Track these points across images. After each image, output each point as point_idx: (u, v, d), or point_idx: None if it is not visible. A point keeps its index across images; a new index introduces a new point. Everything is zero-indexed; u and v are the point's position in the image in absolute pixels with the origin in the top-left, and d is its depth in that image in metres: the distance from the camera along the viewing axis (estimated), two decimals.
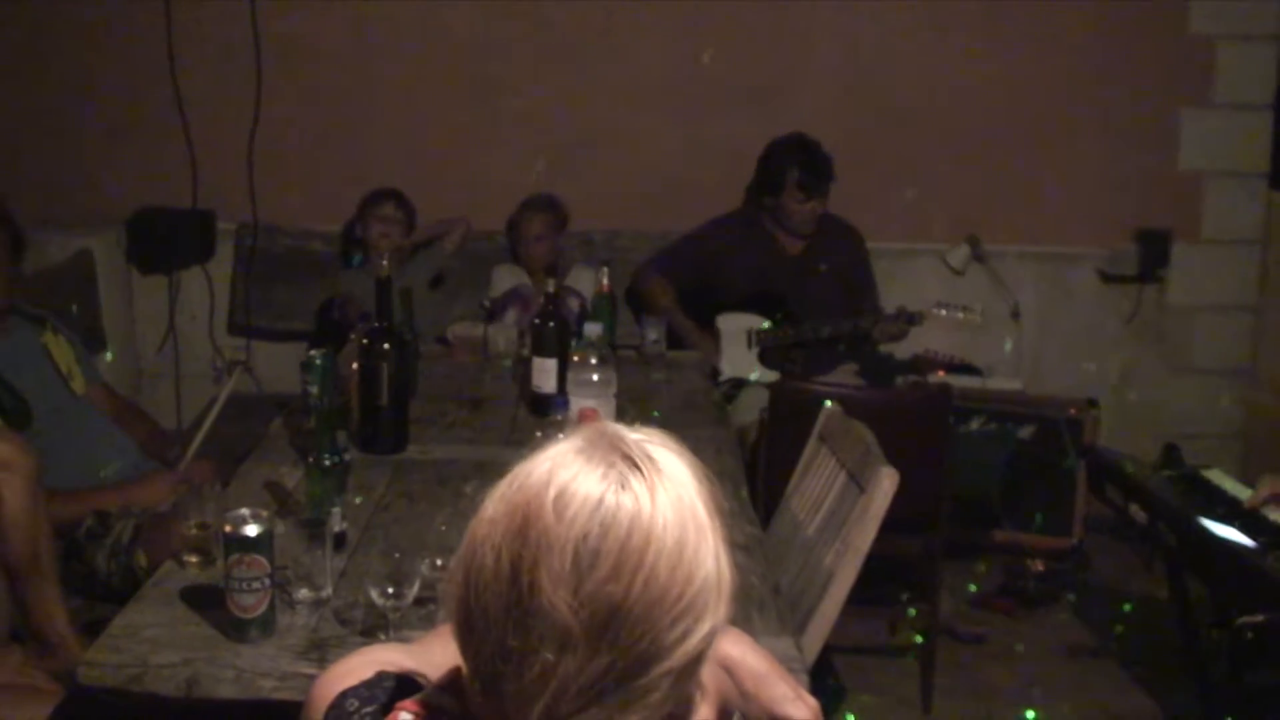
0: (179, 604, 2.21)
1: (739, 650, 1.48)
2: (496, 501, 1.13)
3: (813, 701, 1.49)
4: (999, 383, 4.83)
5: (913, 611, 4.03)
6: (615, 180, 5.04)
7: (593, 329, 2.75)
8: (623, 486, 1.10)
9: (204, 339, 5.15)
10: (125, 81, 5.00)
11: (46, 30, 4.95)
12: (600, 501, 1.09)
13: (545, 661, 1.08)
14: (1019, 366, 5.03)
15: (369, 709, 1.22)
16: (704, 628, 1.12)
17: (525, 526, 1.10)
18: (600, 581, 1.08)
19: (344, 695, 1.24)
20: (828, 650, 3.87)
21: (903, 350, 4.77)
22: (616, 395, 3.46)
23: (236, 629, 2.07)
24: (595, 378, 2.65)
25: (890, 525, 3.61)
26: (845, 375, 4.55)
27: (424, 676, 1.28)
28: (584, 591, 1.08)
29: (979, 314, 4.48)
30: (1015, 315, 5.05)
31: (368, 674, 1.26)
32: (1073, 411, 4.55)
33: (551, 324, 3.29)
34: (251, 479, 2.85)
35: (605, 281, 3.78)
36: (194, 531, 2.36)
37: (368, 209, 4.61)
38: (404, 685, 1.24)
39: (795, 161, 4.55)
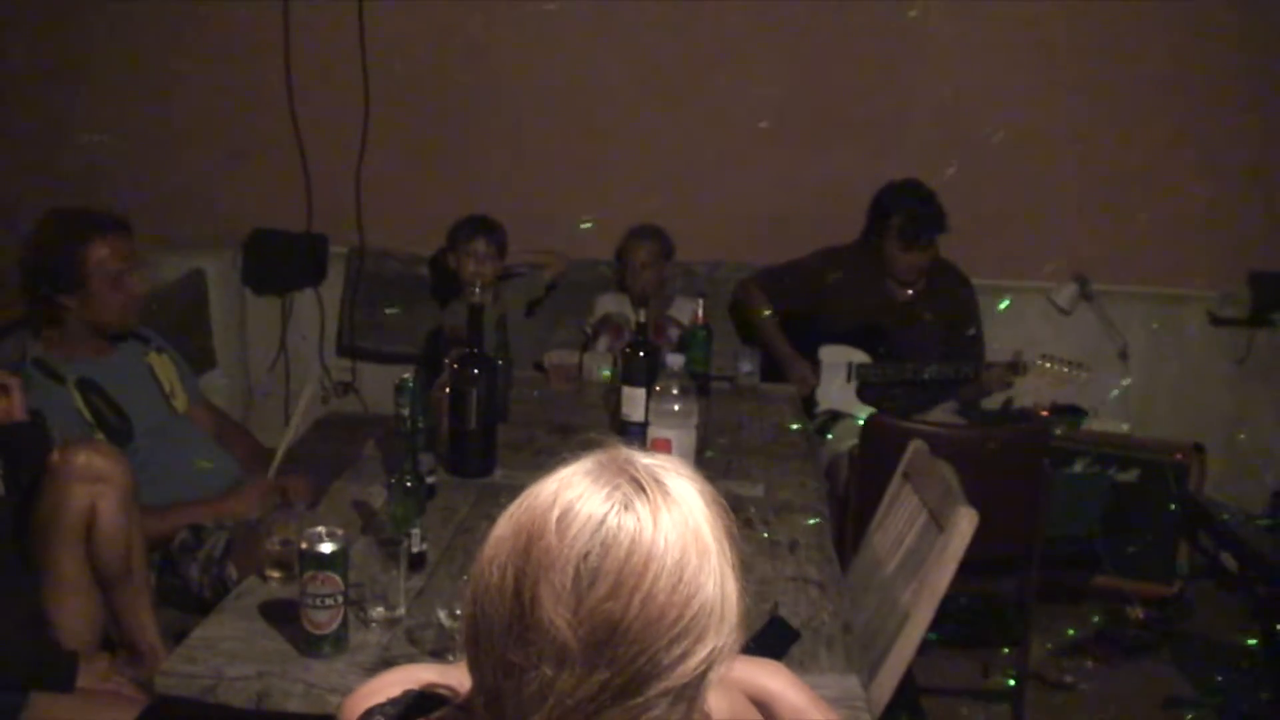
0: (258, 618, 2.26)
1: (778, 684, 1.50)
2: (505, 521, 1.17)
3: None
4: (1105, 425, 4.75)
5: (1005, 652, 3.99)
6: (718, 212, 5.05)
7: (675, 359, 2.76)
8: (626, 508, 1.13)
9: (314, 359, 5.27)
10: (244, 108, 5.14)
11: (171, 59, 5.12)
12: (602, 521, 1.12)
13: (544, 676, 1.11)
14: (1126, 409, 4.94)
15: None
16: (704, 650, 1.13)
17: (529, 544, 1.13)
18: (599, 599, 1.10)
19: (370, 713, 1.27)
20: (917, 691, 3.86)
21: (1004, 399, 4.71)
22: (705, 425, 3.49)
23: (309, 644, 2.12)
24: (676, 408, 2.66)
25: (983, 566, 3.59)
26: (944, 414, 4.51)
27: (455, 694, 1.31)
28: (583, 609, 1.10)
29: (1085, 371, 4.39)
30: (1123, 356, 4.97)
31: (395, 693, 1.30)
32: (1179, 456, 4.44)
33: (642, 353, 3.33)
34: (341, 498, 2.91)
35: (700, 313, 3.80)
36: (277, 548, 2.42)
37: (459, 244, 4.54)
38: (427, 704, 1.27)
39: (900, 209, 4.47)
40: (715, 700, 1.31)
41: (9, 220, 4.68)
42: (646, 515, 1.13)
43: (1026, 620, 3.66)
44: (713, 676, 1.16)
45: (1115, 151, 4.92)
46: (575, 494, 1.14)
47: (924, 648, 3.84)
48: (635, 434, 2.93)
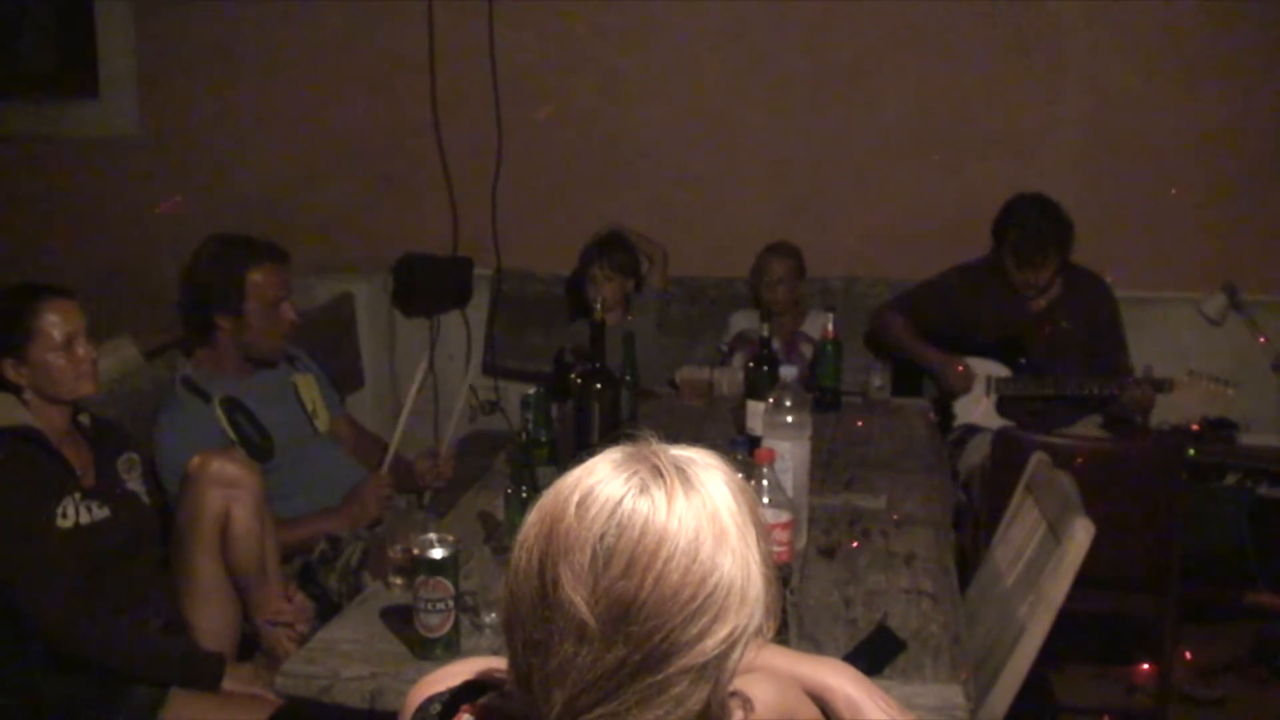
0: (377, 622, 2.36)
1: (838, 680, 1.53)
2: (536, 509, 1.24)
3: None
4: (1257, 438, 4.62)
5: (1145, 669, 3.91)
6: (854, 227, 5.05)
7: (788, 371, 2.79)
8: (642, 492, 1.19)
9: (461, 379, 5.40)
10: (394, 137, 5.33)
11: (324, 92, 5.34)
12: (619, 504, 1.18)
13: (565, 653, 1.17)
14: None
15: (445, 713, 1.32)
16: (723, 629, 1.17)
17: (552, 528, 1.20)
18: (614, 579, 1.16)
19: (429, 700, 1.34)
20: (1059, 710, 3.80)
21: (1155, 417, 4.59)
22: (832, 438, 3.51)
23: (423, 647, 2.20)
24: (789, 419, 2.68)
25: (1123, 583, 3.54)
26: (1088, 428, 4.42)
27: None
28: (599, 588, 1.16)
29: (1232, 387, 4.27)
30: (1276, 368, 4.82)
31: (456, 683, 1.36)
32: None
33: (765, 368, 3.36)
34: (468, 509, 3.01)
35: (830, 327, 3.82)
36: (399, 555, 2.52)
37: (586, 270, 4.63)
38: (482, 691, 1.33)
39: (1016, 225, 4.36)
40: (764, 691, 1.35)
41: (171, 246, 4.92)
42: (661, 499, 1.18)
43: (1167, 637, 3.58)
44: (736, 657, 1.19)
45: (1263, 155, 4.79)
46: (596, 480, 1.21)
47: (1063, 665, 3.83)
48: (736, 445, 2.98)
